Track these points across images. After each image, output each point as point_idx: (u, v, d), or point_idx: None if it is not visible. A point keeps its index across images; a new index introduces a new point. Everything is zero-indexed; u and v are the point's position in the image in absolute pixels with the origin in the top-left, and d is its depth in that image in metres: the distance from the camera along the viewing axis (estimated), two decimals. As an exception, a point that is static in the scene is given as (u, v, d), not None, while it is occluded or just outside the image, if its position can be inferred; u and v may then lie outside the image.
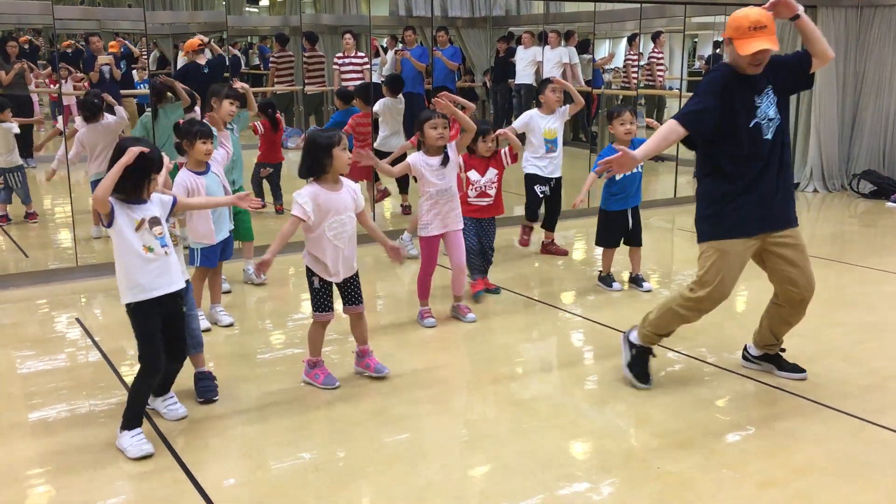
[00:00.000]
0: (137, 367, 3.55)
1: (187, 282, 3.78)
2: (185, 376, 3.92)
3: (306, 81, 10.60)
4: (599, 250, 6.04)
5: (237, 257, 5.84)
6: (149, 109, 6.57)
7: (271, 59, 12.02)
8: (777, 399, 4.07)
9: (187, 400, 3.95)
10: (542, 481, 3.28)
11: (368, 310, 5.57)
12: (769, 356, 4.32)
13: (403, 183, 8.13)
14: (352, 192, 4.14)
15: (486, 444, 3.62)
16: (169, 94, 6.64)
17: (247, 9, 15.27)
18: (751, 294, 5.57)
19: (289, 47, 11.52)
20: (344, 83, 9.45)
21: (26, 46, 11.25)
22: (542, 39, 11.46)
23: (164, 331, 3.61)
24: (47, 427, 3.81)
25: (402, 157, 6.73)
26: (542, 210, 6.80)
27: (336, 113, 8.13)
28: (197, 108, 6.23)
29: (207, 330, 4.95)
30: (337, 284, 4.17)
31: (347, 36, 9.95)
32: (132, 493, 3.25)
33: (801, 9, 3.81)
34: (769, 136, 3.87)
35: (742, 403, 4.04)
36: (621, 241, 5.87)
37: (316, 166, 4.03)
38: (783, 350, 4.32)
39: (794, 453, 3.52)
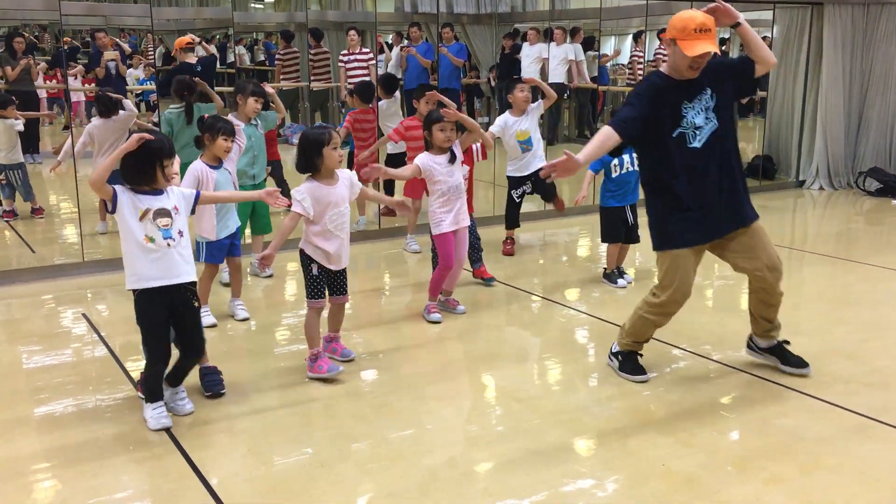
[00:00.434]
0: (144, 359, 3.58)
1: None
2: (191, 372, 3.94)
3: (312, 78, 10.59)
4: (604, 246, 6.07)
5: (246, 252, 5.85)
6: (172, 107, 6.50)
7: (277, 55, 12.02)
8: (782, 397, 4.07)
9: (194, 395, 3.97)
10: (545, 478, 3.29)
11: (370, 306, 5.61)
12: (774, 349, 4.32)
13: (388, 185, 8.06)
14: (347, 182, 4.23)
15: (490, 440, 3.62)
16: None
17: (252, 5, 15.26)
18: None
19: (294, 44, 11.52)
20: (349, 80, 9.45)
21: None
22: (547, 36, 11.45)
23: (175, 324, 3.66)
24: (53, 422, 3.83)
25: (402, 156, 6.76)
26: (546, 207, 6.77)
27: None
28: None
29: (213, 326, 4.99)
30: (327, 275, 4.24)
31: (352, 32, 9.93)
32: (138, 488, 3.26)
33: (741, 17, 3.85)
34: (696, 145, 3.86)
35: (747, 401, 4.03)
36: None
37: (309, 164, 4.14)
38: (787, 342, 4.32)
39: (799, 451, 3.52)
